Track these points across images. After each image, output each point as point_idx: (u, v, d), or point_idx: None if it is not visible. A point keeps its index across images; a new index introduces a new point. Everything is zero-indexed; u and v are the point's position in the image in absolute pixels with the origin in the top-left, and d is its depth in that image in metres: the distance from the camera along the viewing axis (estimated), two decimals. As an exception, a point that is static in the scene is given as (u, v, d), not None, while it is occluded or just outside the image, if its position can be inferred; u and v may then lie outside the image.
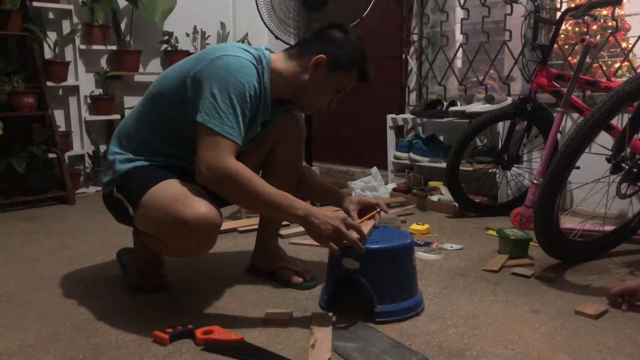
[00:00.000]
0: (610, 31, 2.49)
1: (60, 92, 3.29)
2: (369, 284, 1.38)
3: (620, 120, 1.90)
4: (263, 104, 1.46)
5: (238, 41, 3.92)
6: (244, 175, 1.30)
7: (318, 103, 1.54)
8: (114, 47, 3.41)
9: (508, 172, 2.53)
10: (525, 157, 2.60)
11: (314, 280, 1.63)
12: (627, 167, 1.66)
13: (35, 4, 3.03)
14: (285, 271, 1.65)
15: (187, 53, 3.65)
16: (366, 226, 1.45)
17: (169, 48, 3.62)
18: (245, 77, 1.35)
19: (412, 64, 3.34)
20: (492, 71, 2.95)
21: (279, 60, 1.50)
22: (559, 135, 2.14)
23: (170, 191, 1.32)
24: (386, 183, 3.07)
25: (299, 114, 1.64)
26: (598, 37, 2.62)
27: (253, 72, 1.38)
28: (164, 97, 1.44)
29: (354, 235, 1.32)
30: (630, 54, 2.45)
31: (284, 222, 2.34)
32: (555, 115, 2.11)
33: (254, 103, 1.39)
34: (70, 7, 3.21)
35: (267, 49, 1.50)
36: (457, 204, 2.56)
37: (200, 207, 1.28)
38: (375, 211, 1.56)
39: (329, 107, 1.55)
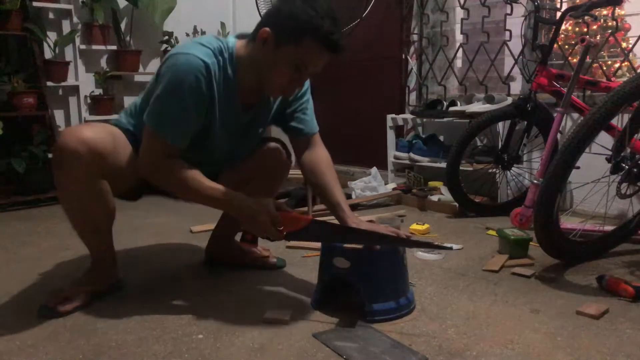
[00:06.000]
0: (610, 31, 2.49)
1: (60, 92, 3.29)
2: (359, 283, 1.38)
3: (620, 120, 1.90)
4: (228, 93, 1.42)
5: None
6: (171, 170, 1.36)
7: (278, 83, 1.39)
8: (114, 47, 3.41)
9: (508, 172, 2.53)
10: (525, 157, 2.60)
11: (280, 260, 1.82)
12: (627, 167, 1.66)
13: (35, 4, 3.03)
14: (257, 258, 1.80)
15: (187, 53, 3.65)
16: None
17: (169, 48, 3.62)
18: (187, 74, 1.31)
19: (412, 64, 3.34)
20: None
21: (241, 46, 1.43)
22: (559, 135, 2.14)
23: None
24: (386, 183, 3.07)
25: (280, 150, 1.66)
26: (598, 37, 2.62)
27: (198, 67, 1.32)
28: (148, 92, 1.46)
29: (274, 229, 1.35)
30: (630, 54, 2.45)
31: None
32: (555, 115, 2.11)
33: (202, 96, 1.36)
34: (70, 7, 3.21)
35: (236, 36, 1.45)
36: (457, 204, 2.56)
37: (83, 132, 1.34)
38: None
39: (291, 88, 1.42)
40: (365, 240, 1.40)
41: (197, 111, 1.38)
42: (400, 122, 3.31)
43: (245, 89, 1.45)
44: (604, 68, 2.56)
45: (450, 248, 1.51)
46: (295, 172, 2.81)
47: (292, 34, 1.31)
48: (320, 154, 1.62)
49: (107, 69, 3.38)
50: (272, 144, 1.66)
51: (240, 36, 1.46)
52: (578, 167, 1.67)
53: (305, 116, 1.60)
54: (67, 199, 1.42)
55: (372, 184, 2.92)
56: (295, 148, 1.64)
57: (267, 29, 1.34)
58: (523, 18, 2.67)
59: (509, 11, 2.80)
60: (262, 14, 2.56)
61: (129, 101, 3.51)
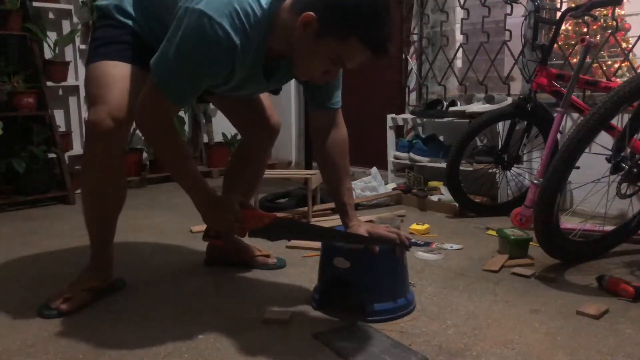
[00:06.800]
0: (610, 31, 2.49)
1: (60, 92, 3.29)
2: (359, 283, 1.38)
3: (620, 120, 1.90)
4: (252, 67, 1.33)
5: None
6: (164, 137, 1.35)
7: (309, 71, 1.29)
8: (114, 47, 3.40)
9: (508, 172, 2.53)
10: (525, 157, 2.60)
11: (280, 260, 1.84)
12: (627, 167, 1.66)
13: (35, 4, 3.03)
14: (257, 258, 1.82)
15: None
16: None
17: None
18: (210, 48, 1.21)
19: (412, 64, 3.34)
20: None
21: (284, 10, 1.26)
22: (559, 135, 2.14)
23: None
24: (386, 183, 3.07)
25: (277, 127, 1.75)
26: (598, 37, 2.62)
27: (225, 45, 1.21)
28: None
29: (236, 226, 1.35)
30: (630, 54, 2.45)
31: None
32: (555, 115, 2.11)
33: (220, 72, 1.29)
34: (70, 7, 3.21)
35: None
36: (457, 204, 2.56)
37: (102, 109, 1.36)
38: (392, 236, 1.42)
39: (322, 79, 1.31)
40: (328, 238, 1.47)
41: (210, 81, 1.33)
42: (400, 122, 3.31)
43: (272, 56, 1.34)
44: (604, 68, 2.56)
45: (408, 247, 1.47)
46: (295, 172, 2.81)
47: (338, 28, 1.18)
48: (337, 137, 1.53)
49: (107, 69, 3.37)
50: (272, 125, 1.74)
51: None
52: (578, 167, 1.67)
53: (331, 89, 1.50)
54: (91, 173, 1.45)
55: (372, 184, 2.92)
56: (313, 121, 1.55)
57: (312, 13, 1.18)
58: (523, 18, 2.67)
59: (509, 11, 2.80)
60: None
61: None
